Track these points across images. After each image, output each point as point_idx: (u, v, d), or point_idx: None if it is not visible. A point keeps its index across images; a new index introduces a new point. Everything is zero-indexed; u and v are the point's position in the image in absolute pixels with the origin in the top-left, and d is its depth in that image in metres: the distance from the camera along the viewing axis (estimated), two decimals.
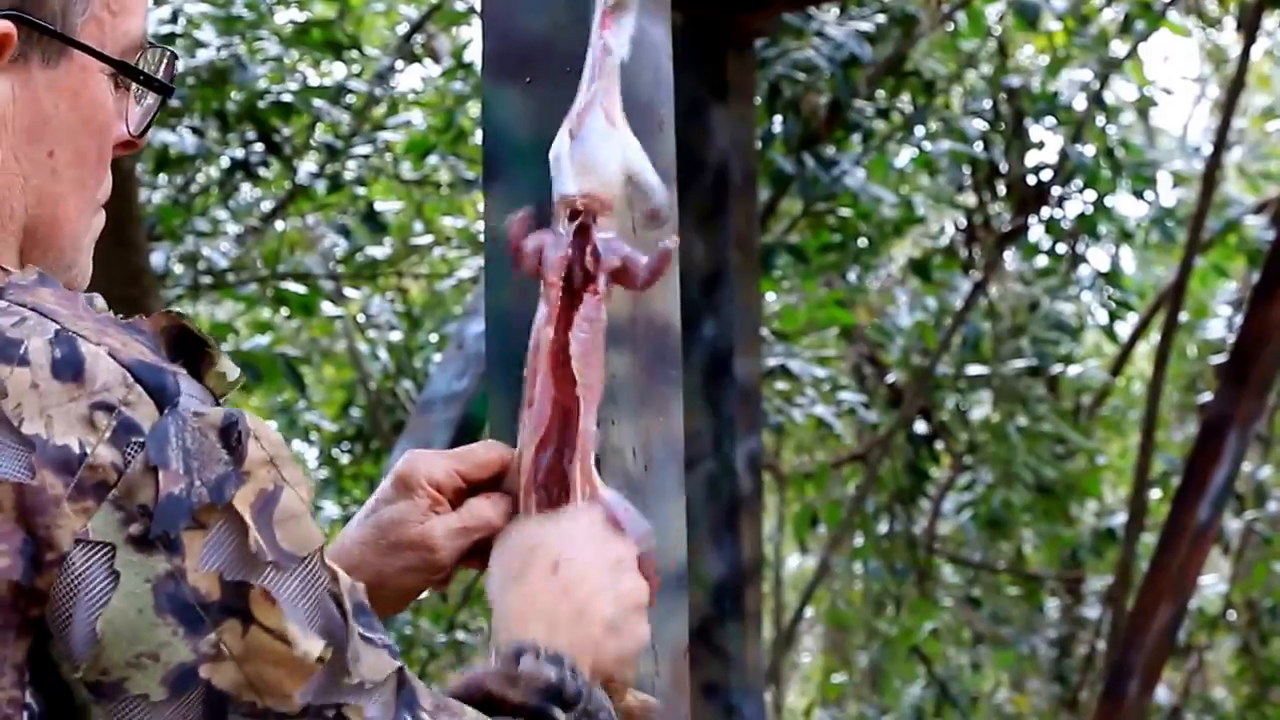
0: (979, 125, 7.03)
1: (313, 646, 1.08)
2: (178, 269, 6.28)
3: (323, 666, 1.09)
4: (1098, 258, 8.12)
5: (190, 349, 1.14)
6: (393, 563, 1.50)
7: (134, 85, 1.23)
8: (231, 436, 1.08)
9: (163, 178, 6.26)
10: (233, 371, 1.16)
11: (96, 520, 1.05)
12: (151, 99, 1.25)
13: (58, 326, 1.09)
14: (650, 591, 1.44)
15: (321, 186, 6.71)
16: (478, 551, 1.53)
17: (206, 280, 6.35)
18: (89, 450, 1.05)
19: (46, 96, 1.17)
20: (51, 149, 1.18)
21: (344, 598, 1.11)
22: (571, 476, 1.46)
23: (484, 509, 1.52)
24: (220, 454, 1.08)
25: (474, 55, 6.91)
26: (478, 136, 6.40)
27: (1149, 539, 6.97)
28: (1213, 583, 8.66)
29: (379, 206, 7.15)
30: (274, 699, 1.08)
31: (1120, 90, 7.85)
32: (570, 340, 1.45)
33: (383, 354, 7.66)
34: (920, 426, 8.07)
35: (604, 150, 1.44)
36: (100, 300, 1.15)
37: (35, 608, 1.06)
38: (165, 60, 1.25)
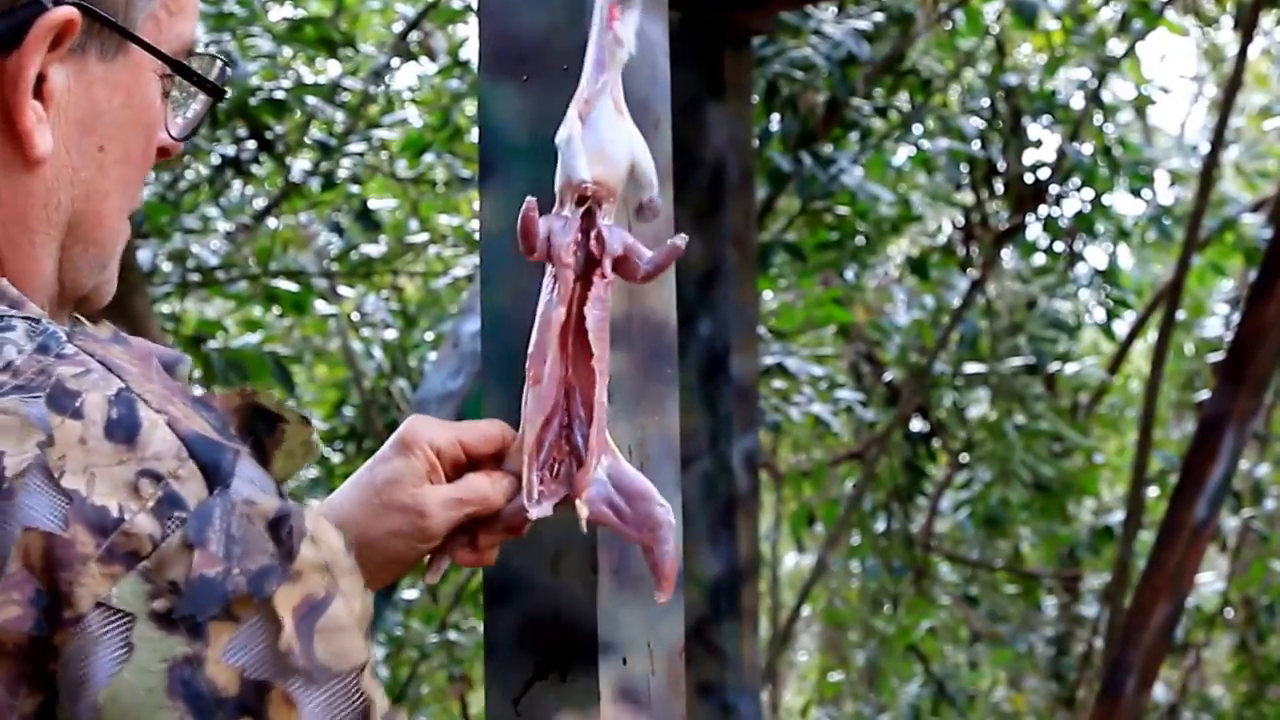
0: (976, 124, 7.02)
1: None
2: (166, 266, 6.26)
3: None
4: (1095, 256, 8.12)
5: (264, 426, 1.09)
6: (382, 523, 1.47)
7: (173, 92, 1.21)
8: (282, 530, 1.03)
9: (151, 174, 6.24)
10: (307, 449, 1.11)
11: (121, 587, 1.00)
12: (198, 105, 1.23)
13: (121, 385, 1.04)
14: (666, 571, 1.46)
15: (315, 184, 6.70)
16: (468, 531, 1.52)
17: (195, 278, 6.34)
18: (128, 516, 1.01)
19: (101, 90, 1.16)
20: (102, 144, 1.17)
21: None
22: (589, 445, 1.46)
23: (481, 484, 1.50)
24: (267, 545, 1.02)
25: (470, 53, 6.90)
26: (474, 134, 6.40)
27: (1147, 537, 6.97)
28: (1210, 580, 8.66)
29: (373, 204, 7.14)
30: None
31: (1118, 89, 7.85)
32: (586, 317, 1.46)
33: (377, 352, 7.65)
34: (918, 425, 8.07)
35: (614, 138, 1.46)
36: (184, 368, 1.10)
37: (51, 662, 1.01)
38: (217, 66, 1.24)
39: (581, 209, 1.47)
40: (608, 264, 1.47)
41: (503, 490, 1.50)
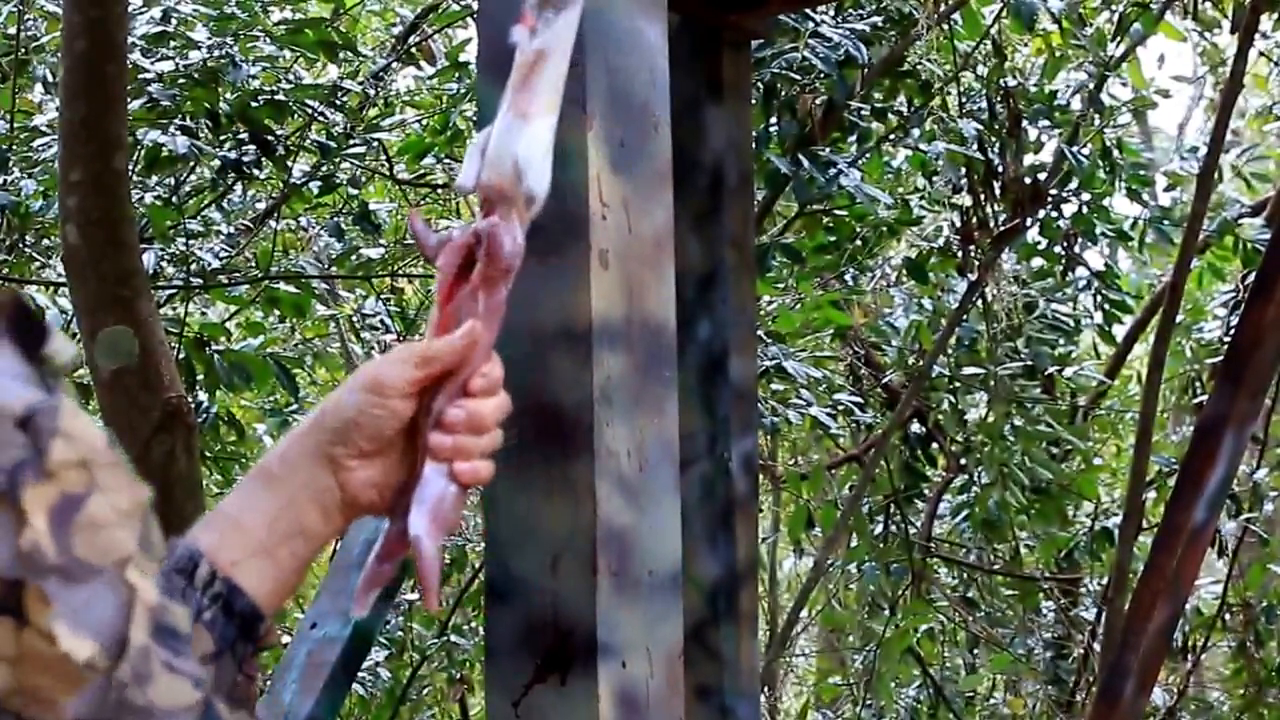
0: (975, 126, 7.02)
1: (81, 647, 1.00)
2: (169, 270, 6.26)
3: (101, 679, 1.00)
4: (1095, 259, 8.11)
5: (31, 329, 1.08)
6: (343, 391, 1.49)
7: None
8: (30, 427, 1.01)
9: (154, 178, 6.25)
10: (62, 352, 1.09)
11: None
12: None
13: None
14: (427, 588, 1.45)
15: (315, 187, 6.70)
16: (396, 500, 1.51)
17: (197, 281, 6.34)
18: None
19: None
20: None
21: (143, 615, 1.03)
22: (420, 446, 1.47)
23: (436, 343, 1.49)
24: (16, 440, 1.00)
25: (469, 55, 6.90)
26: (473, 137, 6.38)
27: (1146, 540, 6.96)
28: (1209, 584, 8.65)
29: (373, 207, 7.14)
30: (41, 708, 1.00)
31: (1117, 91, 7.84)
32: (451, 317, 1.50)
33: (377, 354, 7.65)
34: (916, 427, 8.06)
35: (505, 143, 1.49)
36: None
37: None
38: None
39: (483, 213, 1.51)
40: (476, 268, 1.49)
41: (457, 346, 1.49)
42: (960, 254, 7.49)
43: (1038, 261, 7.82)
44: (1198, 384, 8.44)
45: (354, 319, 7.88)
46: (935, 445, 8.35)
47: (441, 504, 1.45)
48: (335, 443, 1.47)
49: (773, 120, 6.06)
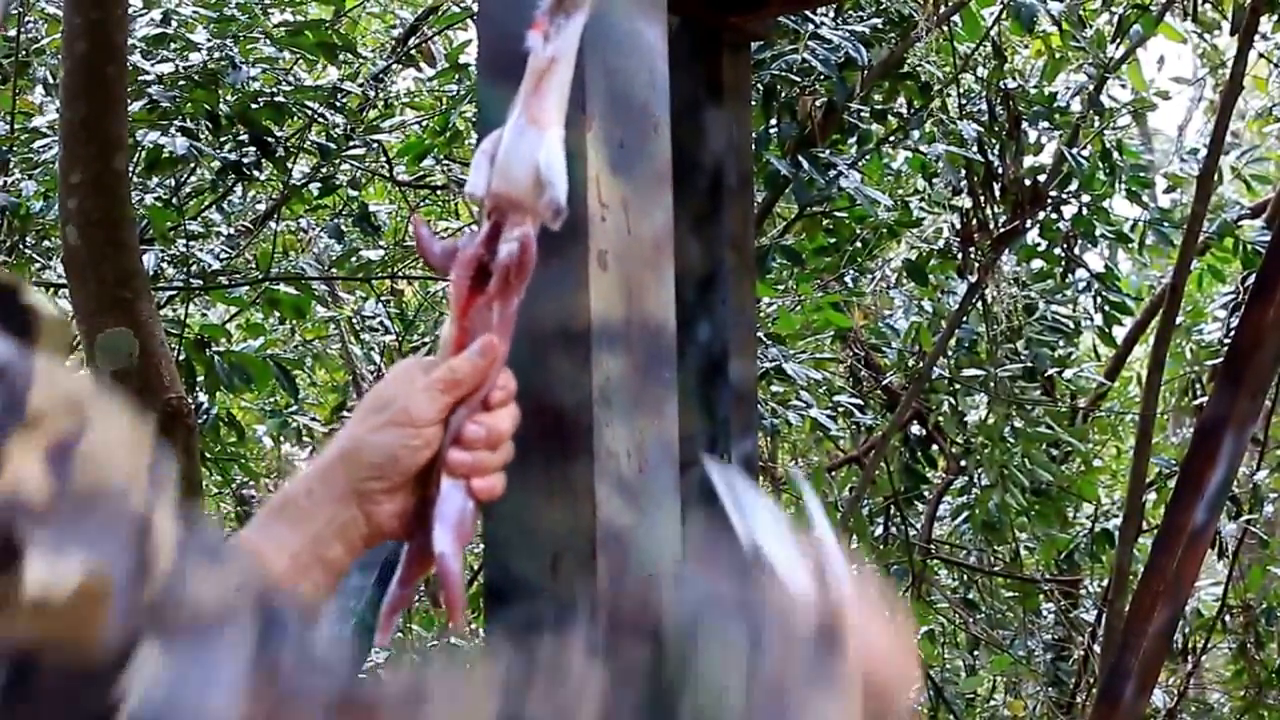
0: (975, 128, 7.02)
1: (65, 580, 0.95)
2: (169, 271, 6.26)
3: (122, 601, 0.96)
4: (1095, 260, 8.11)
5: (18, 321, 1.06)
6: (371, 423, 1.47)
7: None
8: (3, 380, 0.96)
9: (154, 179, 6.25)
10: (54, 335, 1.08)
11: None
12: None
13: None
14: (453, 605, 1.45)
15: (315, 188, 6.70)
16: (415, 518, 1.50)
17: (197, 282, 6.34)
18: None
19: None
20: None
21: (165, 533, 0.99)
22: (438, 464, 1.46)
23: (459, 363, 1.48)
24: None
25: (469, 57, 6.91)
26: (473, 138, 6.39)
27: (1146, 542, 6.96)
28: (1209, 585, 8.65)
29: (373, 208, 7.14)
30: (78, 649, 0.95)
31: (1117, 93, 7.84)
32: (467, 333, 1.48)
33: (376, 356, 7.65)
34: (916, 429, 8.06)
35: (517, 151, 1.47)
36: None
37: None
38: None
39: (490, 222, 1.49)
40: (494, 279, 1.47)
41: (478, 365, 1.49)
42: (960, 256, 7.49)
43: (1037, 263, 7.82)
44: (1198, 386, 8.43)
45: (354, 321, 7.88)
46: (935, 447, 8.34)
47: (462, 521, 1.45)
48: (370, 479, 1.46)
49: (772, 122, 6.06)
